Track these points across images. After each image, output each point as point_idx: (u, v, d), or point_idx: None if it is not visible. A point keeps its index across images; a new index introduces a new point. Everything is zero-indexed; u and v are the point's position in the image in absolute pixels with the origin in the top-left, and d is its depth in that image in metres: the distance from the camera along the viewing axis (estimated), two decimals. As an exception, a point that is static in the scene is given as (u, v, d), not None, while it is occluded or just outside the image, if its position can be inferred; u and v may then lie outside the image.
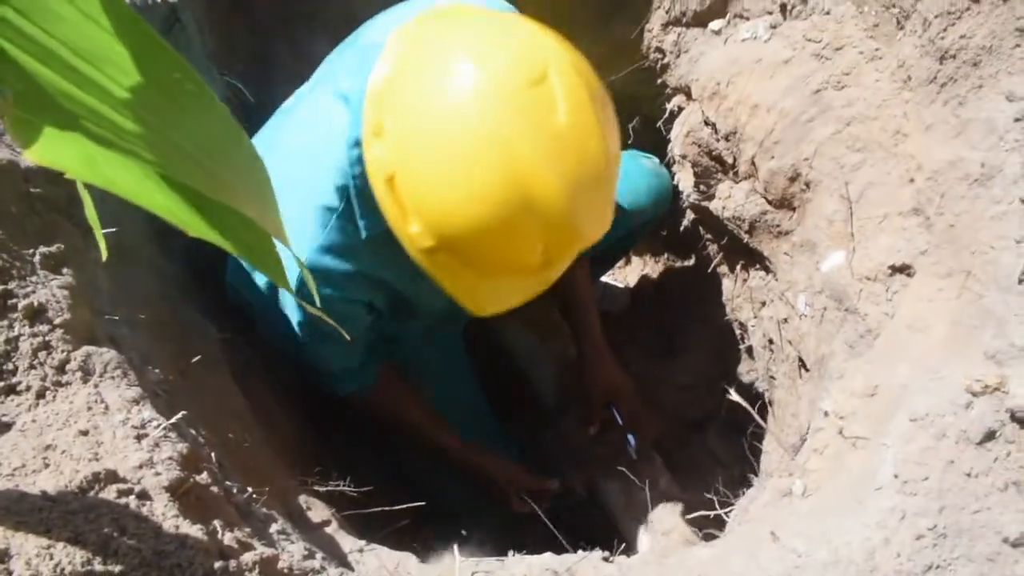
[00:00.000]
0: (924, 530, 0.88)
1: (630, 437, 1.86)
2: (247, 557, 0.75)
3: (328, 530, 1.09)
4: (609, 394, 1.85)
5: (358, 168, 1.18)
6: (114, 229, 1.17)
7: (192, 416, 1.03)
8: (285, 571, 0.80)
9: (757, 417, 1.19)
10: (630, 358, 2.19)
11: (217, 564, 0.72)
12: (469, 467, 1.74)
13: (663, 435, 2.13)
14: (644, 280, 2.52)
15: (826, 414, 1.15)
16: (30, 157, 0.36)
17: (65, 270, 1.03)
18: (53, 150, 0.35)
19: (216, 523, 0.82)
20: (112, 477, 0.77)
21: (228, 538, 0.80)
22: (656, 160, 1.97)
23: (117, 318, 1.06)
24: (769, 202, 1.69)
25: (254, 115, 1.91)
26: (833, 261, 1.48)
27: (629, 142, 2.02)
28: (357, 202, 1.21)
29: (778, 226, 1.70)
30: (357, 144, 1.17)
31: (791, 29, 1.61)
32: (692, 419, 2.33)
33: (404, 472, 1.81)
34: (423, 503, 1.29)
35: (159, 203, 0.44)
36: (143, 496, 0.77)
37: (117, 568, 0.68)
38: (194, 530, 0.75)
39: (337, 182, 1.21)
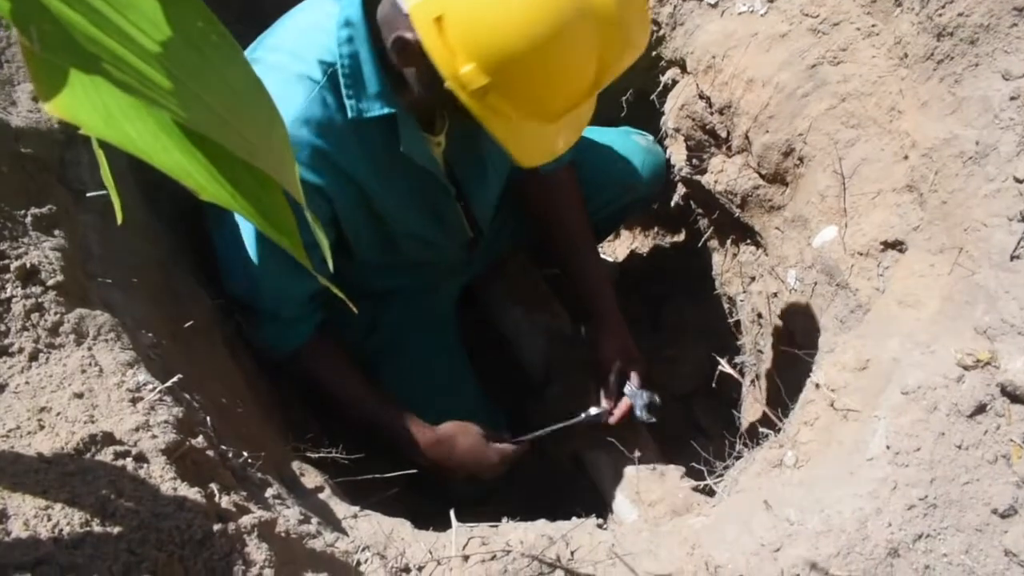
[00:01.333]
0: (915, 500, 0.89)
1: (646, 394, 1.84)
2: (245, 520, 0.75)
3: (322, 496, 1.09)
4: (624, 364, 1.77)
5: (347, 48, 1.21)
6: (103, 192, 1.15)
7: (185, 381, 1.02)
8: (282, 535, 0.80)
9: (746, 388, 1.19)
10: (618, 331, 2.20)
11: (216, 527, 0.72)
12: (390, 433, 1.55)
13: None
14: (633, 254, 2.53)
15: (817, 387, 1.16)
16: (50, 110, 0.35)
17: (57, 232, 1.02)
18: (73, 103, 0.34)
19: (213, 486, 0.81)
20: (109, 439, 0.77)
21: (226, 501, 0.80)
22: (650, 137, 1.96)
23: (110, 281, 1.05)
24: (762, 177, 1.69)
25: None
26: (825, 236, 1.49)
27: (622, 115, 2.01)
28: (346, 83, 1.22)
29: (770, 201, 1.70)
30: (347, 24, 1.20)
31: (788, 3, 1.60)
32: (678, 392, 2.34)
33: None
34: (415, 471, 1.29)
35: (175, 163, 0.43)
36: (140, 459, 0.76)
37: (116, 529, 0.67)
38: (192, 492, 0.75)
39: (322, 57, 1.22)
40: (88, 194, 1.13)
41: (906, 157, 1.35)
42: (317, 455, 1.22)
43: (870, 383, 1.09)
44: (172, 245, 1.40)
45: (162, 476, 0.76)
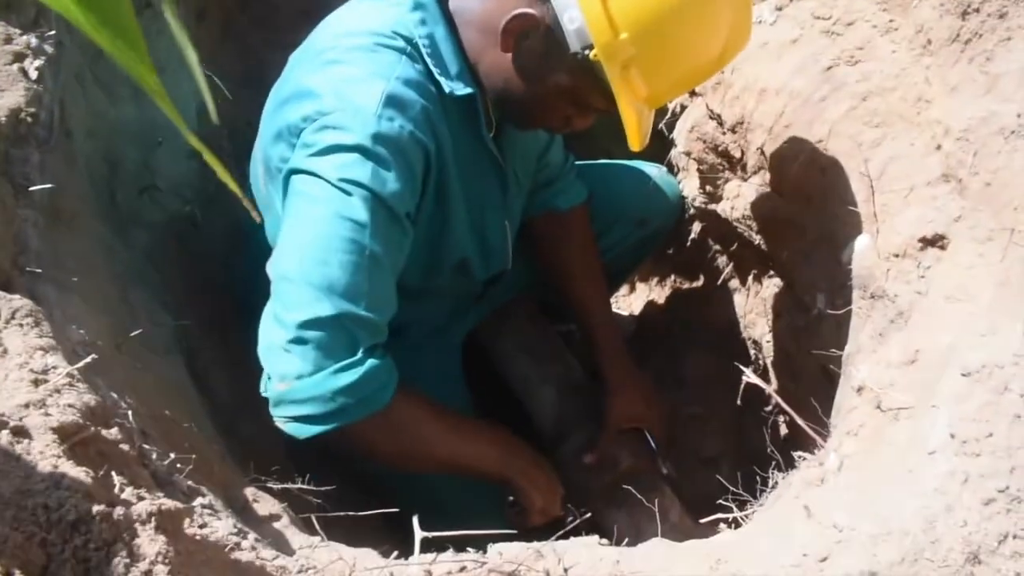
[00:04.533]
0: (993, 493, 0.72)
1: (663, 466, 1.70)
2: (140, 507, 0.60)
3: (276, 525, 0.92)
4: (634, 419, 1.68)
5: (424, 28, 1.17)
6: (50, 185, 1.05)
7: (117, 382, 0.88)
8: (195, 536, 0.64)
9: (777, 397, 1.03)
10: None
11: (96, 508, 0.56)
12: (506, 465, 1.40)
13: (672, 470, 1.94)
14: (650, 306, 2.37)
15: (859, 390, 0.99)
16: None
17: (-18, 216, 0.91)
18: None
19: (116, 477, 0.66)
20: (-17, 410, 0.62)
21: (128, 493, 0.64)
22: (663, 168, 1.86)
23: (40, 272, 0.93)
24: (781, 195, 1.56)
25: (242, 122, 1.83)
26: (856, 246, 1.34)
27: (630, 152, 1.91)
28: (432, 60, 1.18)
29: (792, 220, 1.56)
30: (419, 7, 1.17)
31: (798, 9, 1.51)
32: (705, 454, 2.14)
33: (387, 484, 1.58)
34: (396, 509, 1.11)
35: None
36: (20, 433, 0.62)
37: (-39, 503, 0.52)
38: (77, 472, 0.60)
39: (397, 30, 1.18)
40: (31, 188, 1.02)
41: (939, 146, 1.22)
42: (281, 487, 1.05)
43: (923, 375, 0.92)
44: (136, 267, 1.28)
45: (43, 453, 0.61)
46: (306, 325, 1.07)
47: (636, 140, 1.19)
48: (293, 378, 1.07)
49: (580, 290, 1.73)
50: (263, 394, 1.12)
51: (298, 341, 1.07)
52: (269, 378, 1.10)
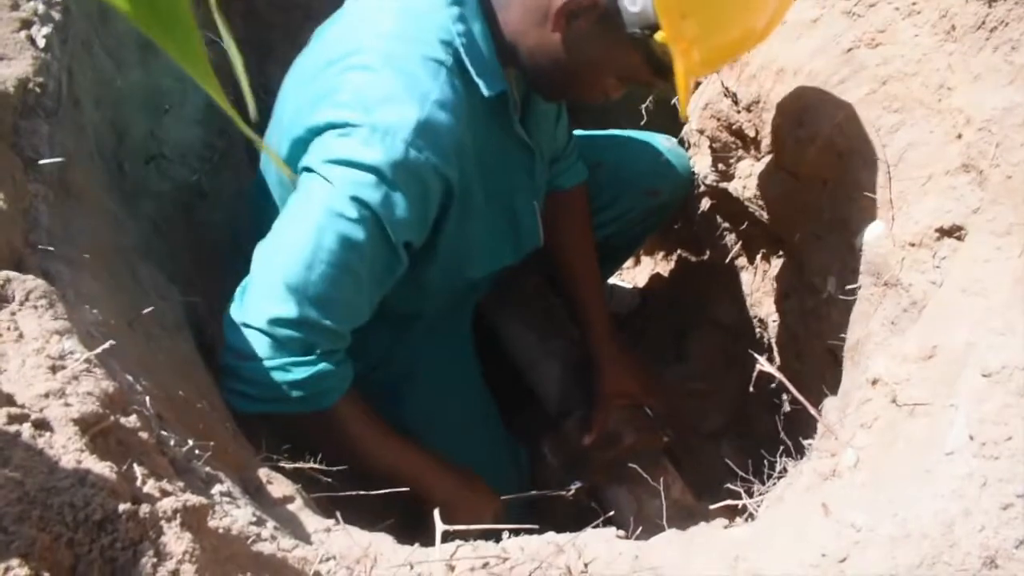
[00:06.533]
0: (1012, 498, 0.72)
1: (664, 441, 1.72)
2: (165, 503, 0.59)
3: (291, 507, 0.92)
4: (625, 396, 1.70)
5: (461, 26, 1.15)
6: (60, 159, 1.03)
7: (132, 364, 0.88)
8: (218, 529, 0.64)
9: (793, 390, 1.03)
10: (639, 362, 2.02)
11: (122, 507, 0.56)
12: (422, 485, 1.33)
13: (674, 442, 1.95)
14: (655, 280, 2.37)
15: (874, 383, 0.99)
16: None
17: (-6, 193, 0.89)
18: None
19: (137, 469, 0.66)
20: (5, 401, 0.62)
21: (150, 486, 0.64)
22: (674, 140, 1.84)
23: (52, 250, 0.91)
24: (795, 176, 1.55)
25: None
26: (870, 233, 1.33)
27: (642, 123, 1.89)
28: (470, 61, 1.16)
29: (806, 202, 1.55)
30: (456, 2, 1.14)
31: (819, -13, 1.48)
32: (708, 429, 2.15)
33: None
34: (406, 488, 1.11)
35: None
36: (42, 426, 0.61)
37: (-14, 502, 0.52)
38: (101, 467, 0.59)
39: (441, 36, 1.15)
40: (41, 161, 1.00)
41: (959, 136, 1.20)
42: (293, 466, 1.05)
43: (940, 372, 0.92)
44: (143, 239, 1.27)
45: (66, 447, 0.61)
46: (271, 321, 1.11)
47: (685, 110, 1.21)
48: (247, 356, 1.12)
49: (574, 269, 1.74)
50: (220, 360, 1.15)
51: (259, 330, 1.12)
52: (227, 347, 1.14)
